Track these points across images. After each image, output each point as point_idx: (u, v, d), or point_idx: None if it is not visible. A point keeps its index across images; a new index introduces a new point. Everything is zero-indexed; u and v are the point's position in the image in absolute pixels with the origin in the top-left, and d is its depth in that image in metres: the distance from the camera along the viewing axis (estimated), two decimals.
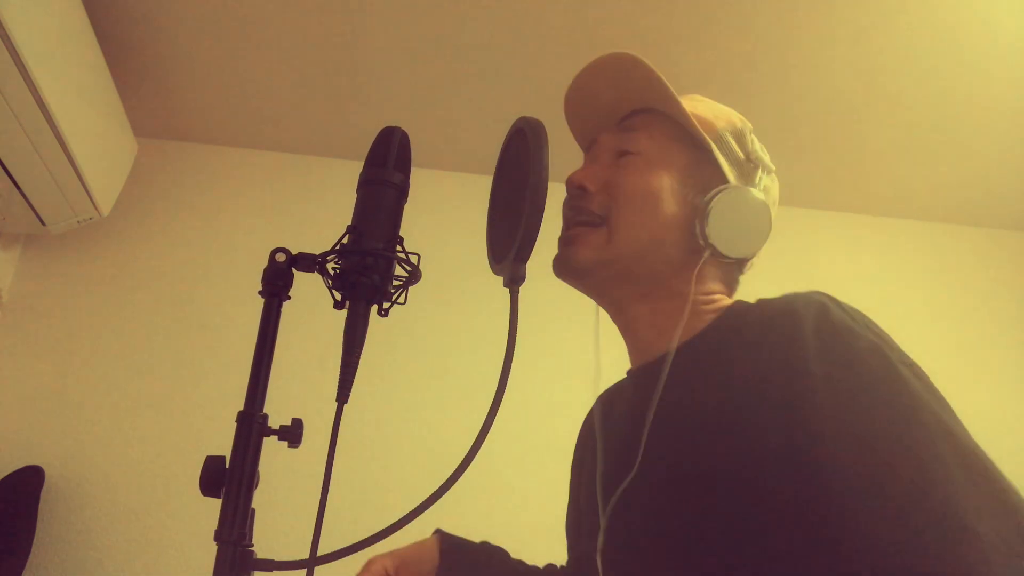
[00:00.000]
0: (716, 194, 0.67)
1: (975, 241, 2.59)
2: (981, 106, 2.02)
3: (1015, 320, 2.45)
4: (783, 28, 1.74)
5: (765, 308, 0.64)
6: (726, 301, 0.71)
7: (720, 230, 0.67)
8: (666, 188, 0.70)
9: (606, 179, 0.72)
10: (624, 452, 0.64)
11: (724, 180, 0.70)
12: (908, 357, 0.57)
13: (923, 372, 0.56)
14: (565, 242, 0.73)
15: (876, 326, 0.59)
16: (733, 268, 0.75)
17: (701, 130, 0.70)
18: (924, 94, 1.97)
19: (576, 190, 0.73)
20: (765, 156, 0.73)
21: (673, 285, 0.70)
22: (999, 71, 1.90)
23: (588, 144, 0.81)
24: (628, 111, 0.77)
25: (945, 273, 2.50)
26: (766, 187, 0.73)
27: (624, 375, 0.82)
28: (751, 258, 0.72)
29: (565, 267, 0.72)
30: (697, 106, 0.74)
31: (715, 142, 0.71)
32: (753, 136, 0.74)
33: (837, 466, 0.49)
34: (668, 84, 0.70)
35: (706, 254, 0.68)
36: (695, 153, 0.71)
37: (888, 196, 2.45)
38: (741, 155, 0.72)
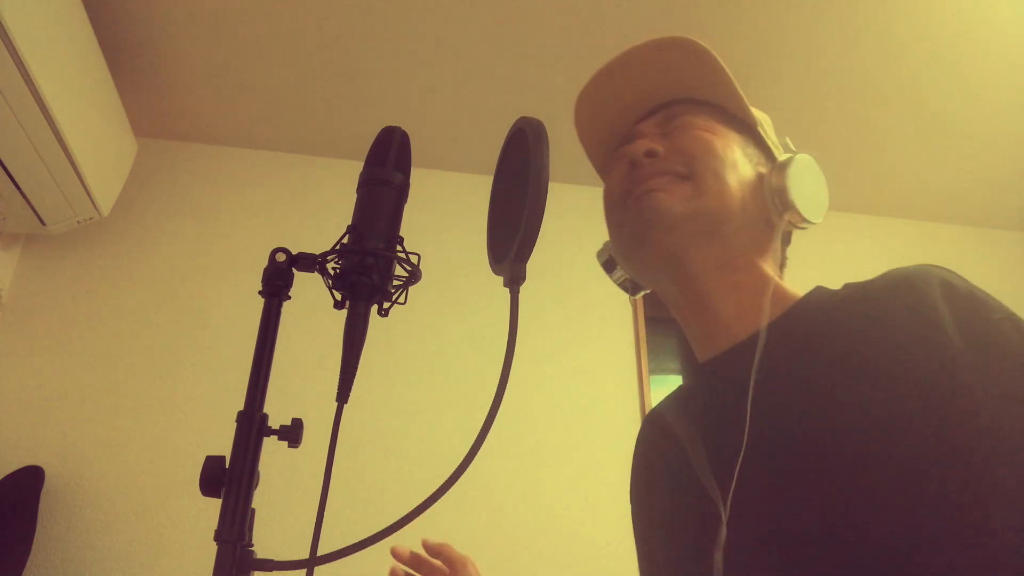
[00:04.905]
0: (791, 157, 0.67)
1: (975, 241, 2.60)
2: (981, 107, 2.02)
3: None
4: (784, 30, 1.74)
5: (873, 284, 0.59)
6: (792, 286, 0.67)
7: (799, 192, 0.65)
8: (735, 152, 0.69)
9: (671, 144, 0.69)
10: (738, 442, 0.57)
11: (773, 159, 0.70)
12: None
13: None
14: (644, 192, 0.66)
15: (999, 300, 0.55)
16: (785, 252, 0.73)
17: (751, 110, 0.70)
18: (924, 95, 1.97)
19: (647, 157, 0.68)
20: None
21: (751, 256, 0.67)
22: (1000, 72, 1.90)
23: (604, 139, 0.78)
24: (655, 103, 0.74)
25: None
26: None
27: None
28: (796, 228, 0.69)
29: (652, 217, 0.65)
30: None
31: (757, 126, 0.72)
32: None
33: (997, 451, 0.45)
34: (726, 66, 0.68)
35: (785, 217, 0.66)
36: (743, 134, 0.71)
37: (888, 196, 2.46)
38: (776, 140, 0.73)
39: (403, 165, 0.60)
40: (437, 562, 0.88)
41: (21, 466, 1.60)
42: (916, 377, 0.50)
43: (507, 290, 0.58)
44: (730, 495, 0.56)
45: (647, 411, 2.02)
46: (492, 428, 0.50)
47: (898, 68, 1.88)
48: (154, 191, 2.03)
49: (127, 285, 1.90)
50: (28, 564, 1.53)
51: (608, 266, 0.77)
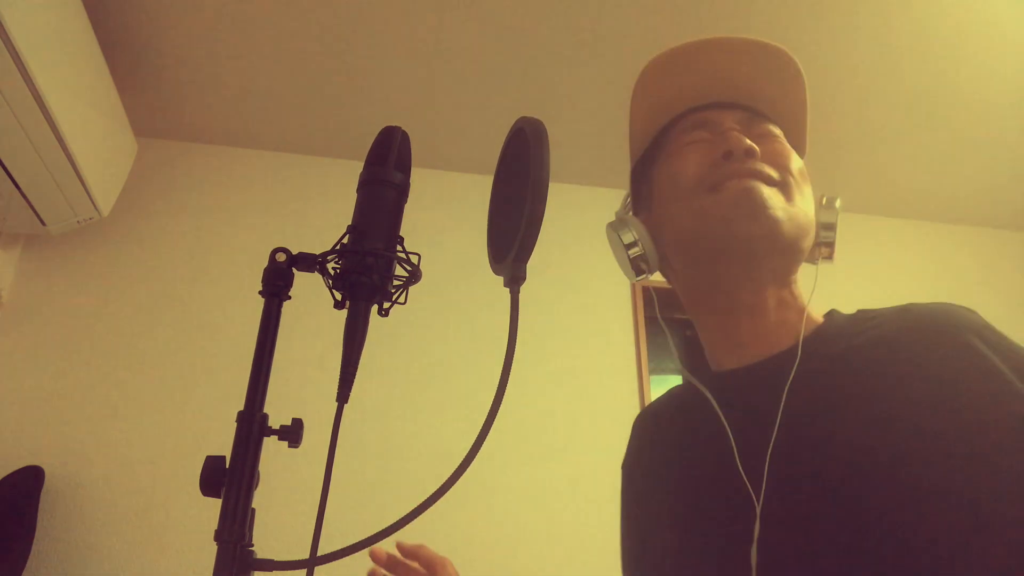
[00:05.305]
0: (836, 198, 0.72)
1: (975, 241, 2.60)
2: (982, 107, 2.02)
3: (1015, 320, 2.45)
4: (784, 30, 1.74)
5: (903, 315, 0.63)
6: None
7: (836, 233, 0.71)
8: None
9: (761, 148, 0.69)
10: (771, 447, 0.59)
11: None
12: None
13: None
14: (747, 185, 0.65)
15: None
16: None
17: (804, 150, 0.74)
18: (924, 95, 1.98)
19: (746, 154, 0.67)
20: None
21: (795, 275, 0.70)
22: (1000, 71, 1.90)
23: (658, 106, 0.76)
24: (724, 98, 0.74)
25: (945, 273, 2.50)
26: None
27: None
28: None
29: (756, 208, 0.64)
30: None
31: None
32: None
33: None
34: (807, 99, 0.72)
35: (825, 252, 0.71)
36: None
37: (888, 196, 2.46)
38: None
39: (403, 165, 0.60)
40: (414, 564, 0.85)
41: (21, 466, 1.60)
42: (976, 397, 0.52)
43: (507, 290, 0.58)
44: (762, 492, 0.57)
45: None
46: (492, 428, 0.50)
47: (898, 68, 1.88)
48: (154, 191, 2.03)
49: (127, 285, 1.90)
50: (28, 564, 1.53)
51: (621, 228, 0.74)
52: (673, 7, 1.67)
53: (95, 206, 1.69)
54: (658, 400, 0.80)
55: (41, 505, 1.59)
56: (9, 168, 1.50)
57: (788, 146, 0.70)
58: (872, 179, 2.36)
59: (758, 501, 0.58)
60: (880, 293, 2.41)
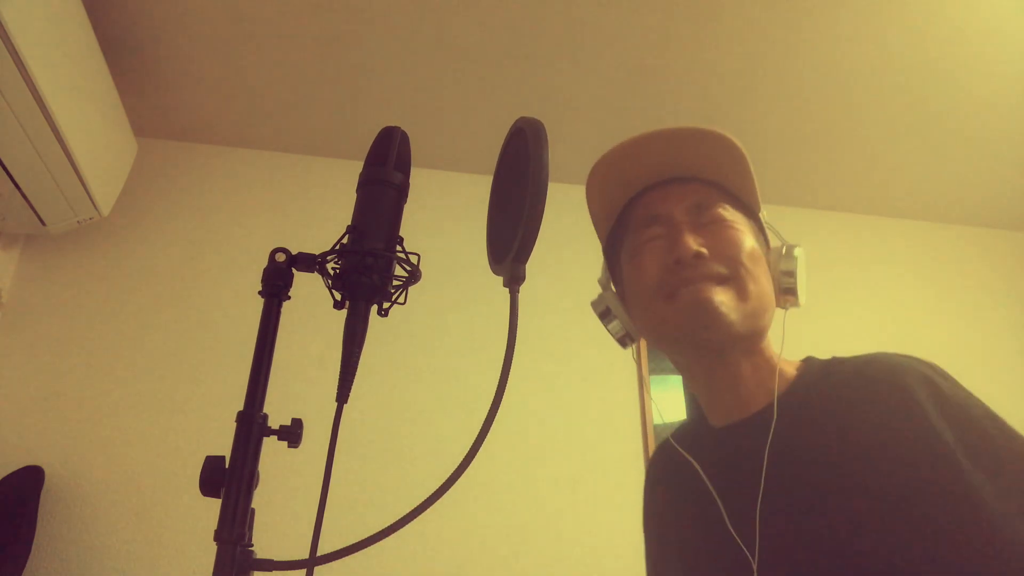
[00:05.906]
0: (794, 246, 0.74)
1: (975, 241, 2.60)
2: (982, 107, 2.02)
3: (1015, 320, 2.45)
4: (784, 29, 1.74)
5: (862, 372, 0.67)
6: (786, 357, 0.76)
7: (800, 279, 0.74)
8: (754, 243, 0.74)
9: (710, 243, 0.72)
10: (758, 496, 0.65)
11: (767, 241, 0.77)
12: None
13: None
14: (697, 297, 0.69)
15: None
16: None
17: (759, 206, 0.77)
18: (925, 95, 1.98)
19: (695, 259, 0.70)
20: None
21: (766, 338, 0.74)
22: (1000, 71, 1.90)
23: (610, 199, 0.82)
24: (671, 176, 0.78)
25: (945, 273, 2.50)
26: None
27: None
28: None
29: (709, 321, 0.68)
30: None
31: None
32: None
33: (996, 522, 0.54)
34: (752, 170, 0.75)
35: (788, 306, 0.74)
36: (749, 219, 0.77)
37: (888, 196, 2.46)
38: (766, 219, 0.80)
39: (403, 165, 0.61)
40: None
41: (21, 466, 1.60)
42: (910, 458, 0.59)
43: (507, 290, 0.58)
44: (756, 547, 0.63)
45: (646, 412, 2.02)
46: (492, 428, 0.50)
47: (898, 68, 1.88)
48: (154, 191, 2.03)
49: (127, 285, 1.90)
50: (28, 564, 1.53)
51: (605, 317, 0.82)
52: (675, 6, 1.67)
53: (95, 206, 1.69)
54: (676, 439, 0.85)
55: (41, 505, 1.59)
56: (9, 168, 1.50)
57: (738, 229, 0.74)
58: (872, 179, 2.36)
59: (753, 557, 0.63)
60: (881, 293, 2.42)
